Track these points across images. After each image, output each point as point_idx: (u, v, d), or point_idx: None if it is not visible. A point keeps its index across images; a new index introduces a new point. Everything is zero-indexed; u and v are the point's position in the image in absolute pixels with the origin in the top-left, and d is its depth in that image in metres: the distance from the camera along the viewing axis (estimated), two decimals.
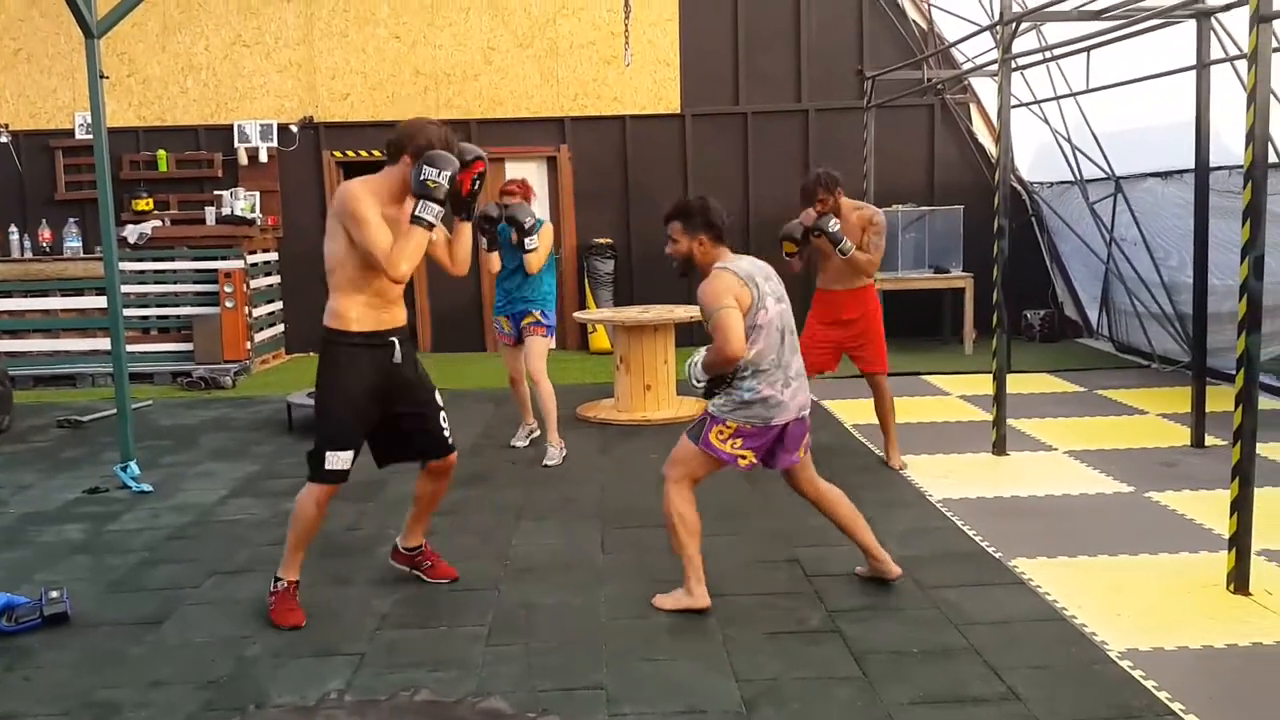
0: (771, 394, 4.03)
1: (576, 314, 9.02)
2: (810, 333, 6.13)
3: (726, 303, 3.95)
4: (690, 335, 10.65)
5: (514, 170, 10.90)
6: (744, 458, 4.10)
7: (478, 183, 4.05)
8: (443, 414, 4.29)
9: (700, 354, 4.12)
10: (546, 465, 6.55)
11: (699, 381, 4.15)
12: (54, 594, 4.23)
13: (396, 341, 4.11)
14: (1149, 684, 3.46)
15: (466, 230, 4.24)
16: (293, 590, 4.19)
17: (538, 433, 7.08)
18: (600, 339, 11.08)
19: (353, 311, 4.00)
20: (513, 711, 2.83)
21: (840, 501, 4.37)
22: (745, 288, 4.01)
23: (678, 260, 4.21)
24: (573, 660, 3.78)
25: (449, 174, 3.82)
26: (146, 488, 6.21)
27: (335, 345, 4.04)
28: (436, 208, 3.82)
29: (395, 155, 3.99)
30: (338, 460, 4.03)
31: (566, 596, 4.39)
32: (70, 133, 11.34)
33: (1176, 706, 3.31)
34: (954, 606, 4.15)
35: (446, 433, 4.30)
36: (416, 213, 3.81)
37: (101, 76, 6.20)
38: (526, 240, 6.45)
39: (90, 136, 7.19)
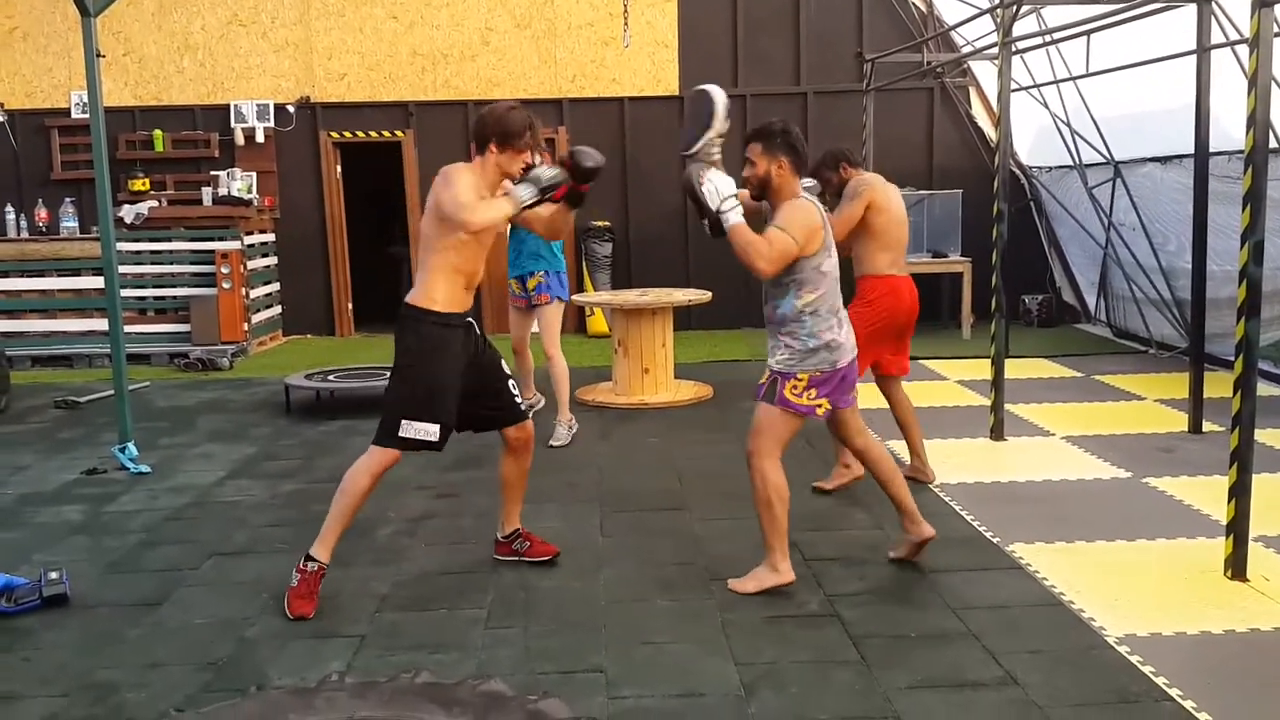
0: (832, 337, 4.05)
1: (574, 297, 8.99)
2: None
3: (797, 235, 3.92)
4: (689, 319, 10.65)
5: None
6: (820, 406, 4.10)
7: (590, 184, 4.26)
8: (511, 381, 4.38)
9: (738, 213, 3.99)
10: (552, 446, 6.51)
11: (708, 206, 4.01)
12: (53, 575, 4.23)
13: (473, 321, 4.25)
14: (1146, 669, 3.48)
15: (570, 216, 4.40)
16: (320, 575, 4.12)
17: (540, 405, 7.04)
18: (598, 322, 11.07)
19: (440, 293, 4.09)
20: (513, 694, 2.85)
21: (885, 457, 4.40)
22: (822, 230, 4.00)
23: (753, 184, 4.09)
24: (572, 643, 3.78)
25: (554, 182, 4.04)
26: (144, 469, 6.21)
27: (421, 323, 4.10)
28: (530, 198, 4.00)
29: (482, 146, 4.08)
30: (412, 429, 4.05)
31: (566, 580, 4.40)
32: (66, 112, 11.29)
33: (1174, 692, 3.32)
34: (952, 591, 4.16)
35: (518, 398, 4.39)
36: (514, 188, 4.02)
37: (98, 55, 6.16)
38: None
39: (86, 116, 7.16)
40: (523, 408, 4.43)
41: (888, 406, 5.67)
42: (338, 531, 4.15)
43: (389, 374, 4.24)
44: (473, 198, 3.94)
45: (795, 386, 4.05)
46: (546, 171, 4.10)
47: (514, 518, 4.58)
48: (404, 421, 4.06)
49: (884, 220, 5.37)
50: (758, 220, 4.13)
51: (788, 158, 4.02)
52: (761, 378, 4.23)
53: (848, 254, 5.43)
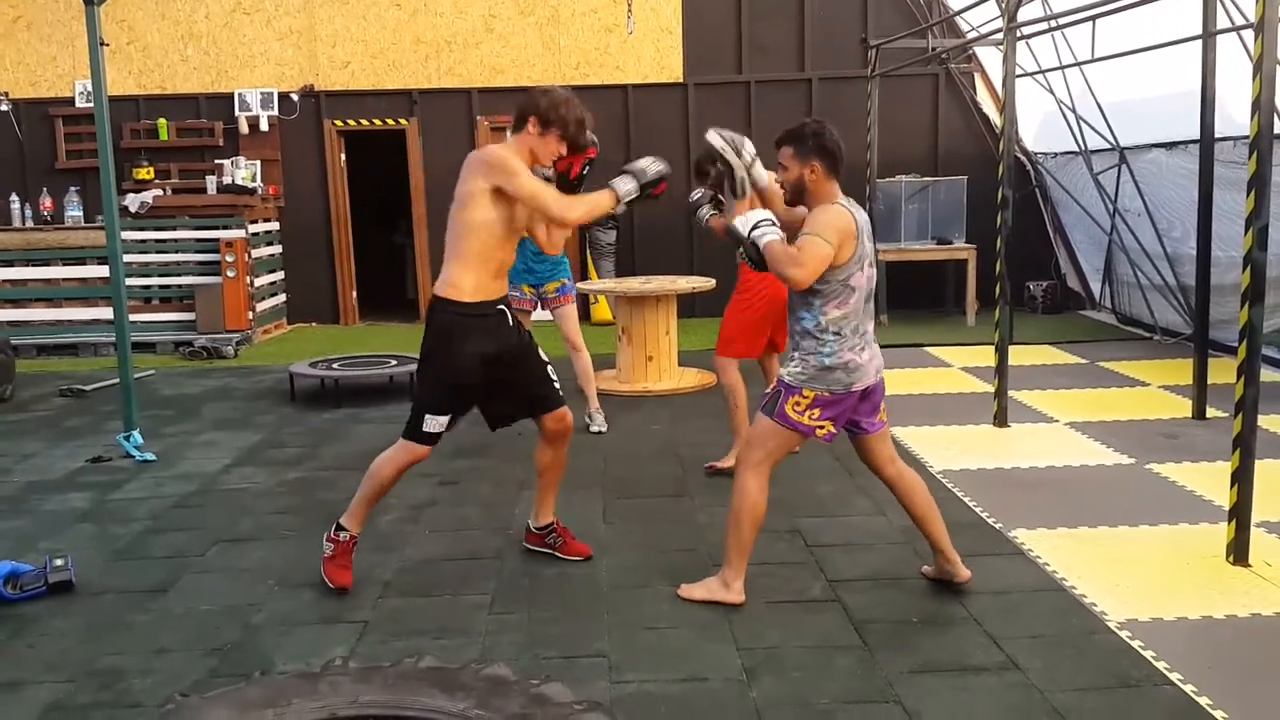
0: (852, 358, 3.81)
1: (578, 285, 9.00)
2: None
3: (831, 238, 3.69)
4: (692, 307, 10.64)
5: None
6: (822, 428, 3.87)
7: (587, 167, 4.16)
8: (550, 367, 4.28)
9: (772, 233, 3.83)
10: (600, 432, 6.62)
11: (742, 236, 3.87)
12: (58, 562, 4.25)
13: (506, 309, 4.11)
14: (1148, 654, 3.48)
15: None
16: (352, 545, 4.17)
17: None
18: (602, 310, 11.07)
19: (469, 282, 3.97)
20: (515, 677, 2.86)
21: (918, 489, 4.07)
22: (857, 240, 3.75)
23: (786, 189, 3.91)
24: (575, 629, 3.80)
25: (657, 176, 4.01)
26: (150, 456, 6.23)
27: (449, 315, 3.99)
28: (632, 192, 3.97)
29: (521, 123, 3.96)
30: (436, 424, 4.01)
31: (569, 566, 4.41)
32: (70, 101, 11.29)
33: (1175, 676, 3.33)
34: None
35: (557, 384, 4.29)
36: (615, 181, 3.96)
37: (101, 44, 6.16)
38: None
39: (91, 105, 7.16)
40: (561, 392, 4.32)
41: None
42: (365, 509, 4.19)
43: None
44: (543, 185, 3.85)
45: (798, 403, 3.84)
46: (652, 165, 3.99)
47: (549, 509, 4.50)
48: (426, 416, 4.02)
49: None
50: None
51: (821, 161, 3.80)
52: (769, 385, 4.10)
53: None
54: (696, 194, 5.28)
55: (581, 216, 4.00)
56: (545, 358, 4.27)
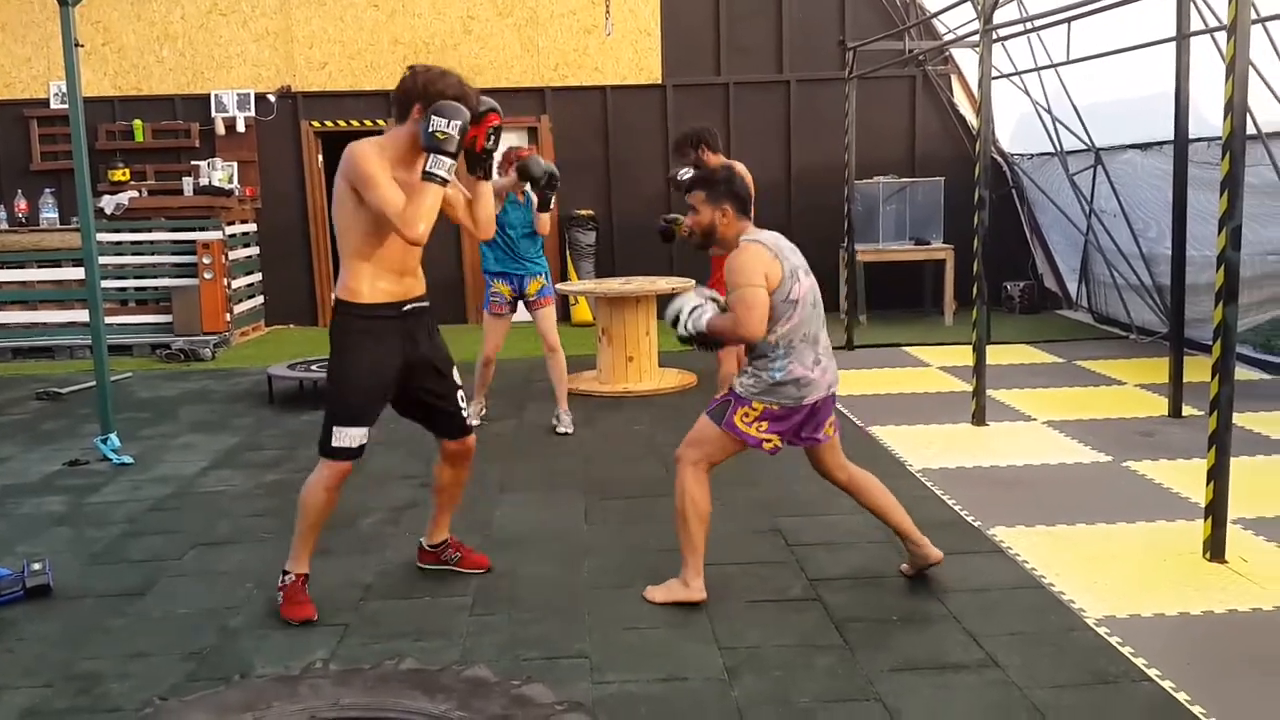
0: (803, 373, 3.81)
1: (558, 286, 8.99)
2: None
3: (756, 280, 3.73)
4: None
5: None
6: (769, 441, 3.88)
7: (493, 138, 3.79)
8: (460, 394, 4.05)
9: (710, 310, 3.89)
10: (566, 433, 6.61)
11: (690, 330, 3.90)
12: (36, 566, 4.22)
13: (412, 314, 3.86)
14: (1126, 650, 3.51)
15: (487, 191, 3.97)
16: (301, 583, 3.95)
17: (485, 412, 7.02)
18: (582, 311, 11.07)
19: (364, 283, 3.75)
20: (497, 679, 2.86)
21: (873, 486, 4.13)
22: (776, 261, 3.78)
23: (698, 232, 3.95)
24: (556, 629, 3.80)
25: (460, 124, 3.54)
26: (127, 460, 6.19)
27: (345, 318, 3.79)
28: (449, 161, 3.56)
29: (404, 111, 3.71)
30: (345, 437, 3.77)
31: (549, 567, 4.41)
32: (45, 102, 11.20)
33: (1153, 673, 3.35)
34: (933, 574, 4.18)
35: (465, 413, 4.08)
36: (428, 168, 3.56)
37: (76, 45, 6.12)
38: (550, 196, 6.33)
39: (65, 106, 7.11)
40: (470, 421, 4.14)
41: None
42: (308, 547, 3.95)
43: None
44: (396, 200, 3.56)
45: (747, 415, 3.84)
46: (443, 123, 3.53)
47: (444, 527, 4.33)
48: (334, 429, 3.78)
49: None
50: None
51: (731, 204, 3.88)
52: (720, 392, 4.03)
53: None
54: (684, 172, 5.31)
55: (425, 230, 3.58)
56: (456, 379, 4.04)
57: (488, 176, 3.95)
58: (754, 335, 3.77)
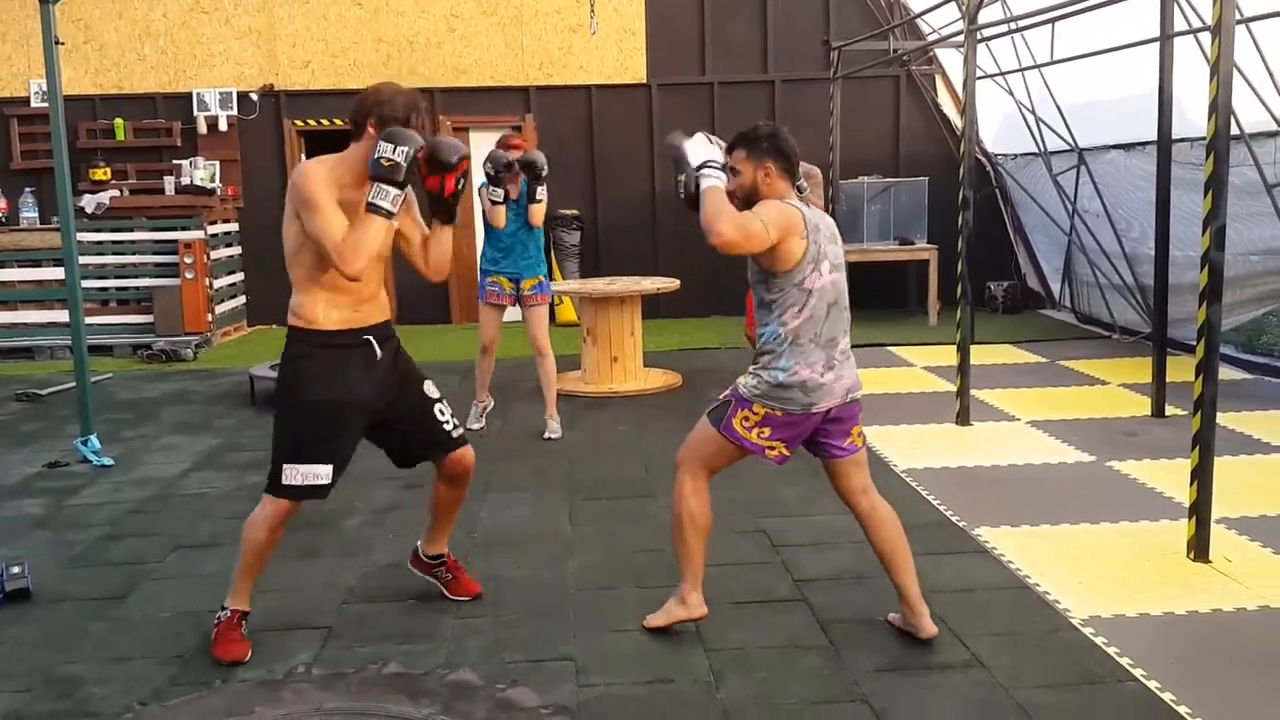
0: (810, 376, 3.46)
1: None
2: None
3: (770, 223, 3.37)
4: (657, 308, 10.64)
5: (478, 141, 10.79)
6: (772, 449, 3.54)
7: (461, 183, 3.58)
8: (439, 406, 3.81)
9: (718, 178, 3.47)
10: (552, 438, 6.52)
11: (688, 166, 3.54)
12: (15, 569, 4.18)
13: (373, 340, 3.60)
14: (1111, 650, 3.52)
15: (446, 236, 3.70)
16: (237, 620, 3.68)
17: (491, 406, 6.99)
18: (567, 311, 11.05)
19: (317, 309, 3.50)
20: (482, 683, 2.84)
21: (891, 527, 3.69)
22: (804, 239, 3.44)
23: (739, 195, 3.54)
24: (541, 632, 3.78)
25: (407, 151, 3.34)
26: (107, 461, 6.14)
27: (296, 346, 3.55)
28: (394, 192, 3.35)
29: (359, 129, 3.51)
30: (296, 475, 3.52)
31: (535, 569, 4.39)
32: (25, 100, 11.11)
33: (1138, 672, 3.36)
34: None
35: (448, 426, 3.82)
36: (371, 198, 3.34)
37: (57, 42, 6.07)
38: (539, 189, 6.30)
39: (46, 104, 7.05)
40: (456, 432, 3.86)
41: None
42: (247, 582, 3.71)
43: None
44: (336, 230, 3.34)
45: (747, 419, 3.51)
46: (387, 151, 3.34)
47: (442, 541, 4.08)
48: (285, 467, 3.52)
49: None
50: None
51: (775, 163, 3.52)
52: (722, 392, 3.69)
53: None
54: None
55: (362, 266, 3.37)
56: (433, 393, 3.82)
57: (450, 220, 3.69)
58: (723, 237, 3.34)
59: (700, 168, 3.52)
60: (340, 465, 3.60)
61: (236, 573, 3.71)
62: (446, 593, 4.08)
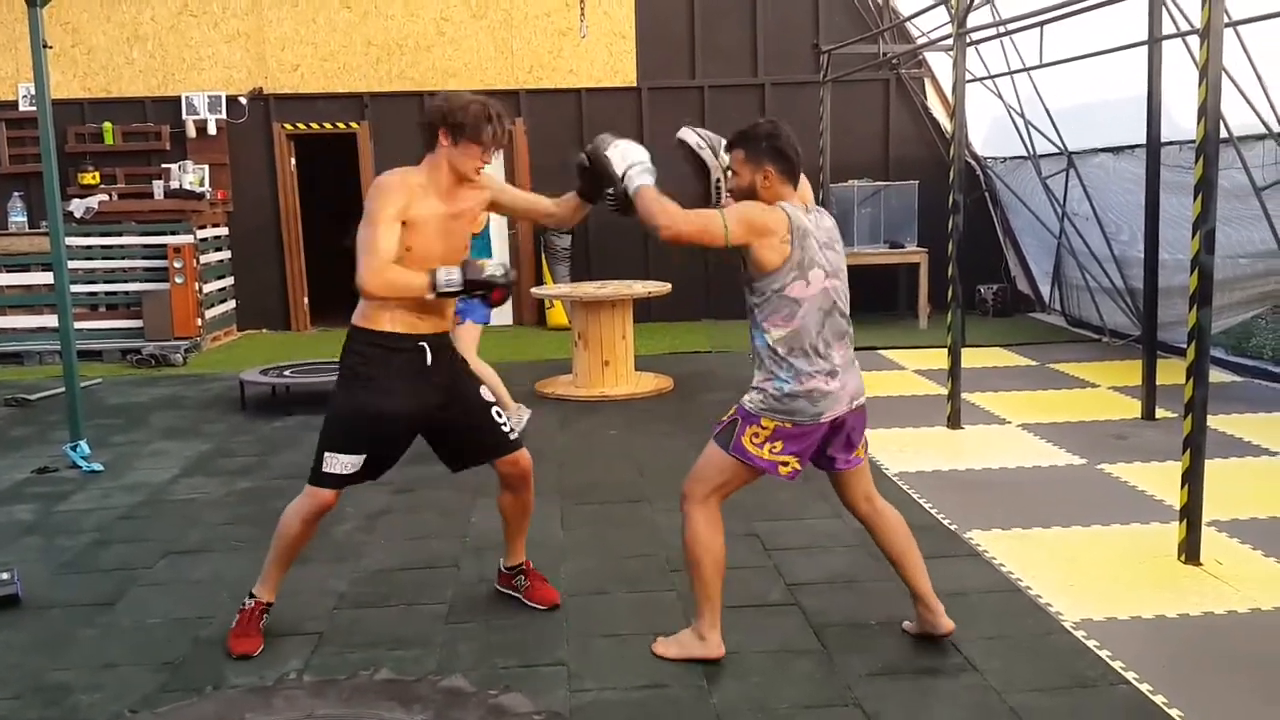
0: (816, 385, 3.34)
1: (534, 289, 8.96)
2: None
3: (732, 221, 3.27)
4: (648, 311, 10.64)
5: None
6: (785, 464, 3.41)
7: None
8: (495, 410, 3.85)
9: (647, 177, 3.44)
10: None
11: (614, 174, 3.49)
12: (4, 576, 4.16)
13: (427, 346, 3.65)
14: (1103, 653, 3.52)
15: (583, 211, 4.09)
16: (259, 613, 3.75)
17: (527, 417, 6.93)
18: (558, 314, 11.03)
19: (382, 312, 3.58)
20: (474, 689, 2.83)
21: (897, 529, 3.65)
22: (786, 242, 3.29)
23: (738, 197, 3.42)
24: (533, 637, 3.77)
25: (490, 282, 3.53)
26: (97, 467, 6.11)
27: (356, 343, 3.64)
28: (457, 289, 3.51)
29: (430, 138, 3.56)
30: (336, 463, 3.59)
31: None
32: (14, 104, 11.09)
33: (1130, 675, 3.36)
34: None
35: (506, 429, 3.87)
36: (441, 284, 3.45)
37: (45, 46, 6.05)
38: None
39: (34, 108, 7.03)
40: (513, 435, 3.92)
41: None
42: (278, 572, 3.79)
43: None
44: (385, 245, 3.43)
45: (757, 435, 3.37)
46: (494, 266, 3.56)
47: (519, 551, 4.11)
48: (325, 455, 3.62)
49: None
50: None
51: (774, 165, 3.36)
52: (726, 413, 3.55)
53: None
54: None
55: (374, 290, 3.45)
56: (488, 398, 3.87)
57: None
58: (666, 230, 3.28)
59: (625, 174, 3.47)
60: (375, 464, 3.69)
61: (268, 561, 3.79)
62: (524, 600, 4.06)
